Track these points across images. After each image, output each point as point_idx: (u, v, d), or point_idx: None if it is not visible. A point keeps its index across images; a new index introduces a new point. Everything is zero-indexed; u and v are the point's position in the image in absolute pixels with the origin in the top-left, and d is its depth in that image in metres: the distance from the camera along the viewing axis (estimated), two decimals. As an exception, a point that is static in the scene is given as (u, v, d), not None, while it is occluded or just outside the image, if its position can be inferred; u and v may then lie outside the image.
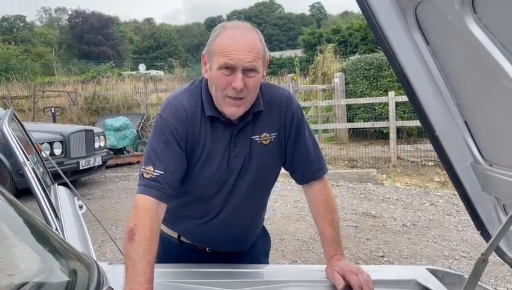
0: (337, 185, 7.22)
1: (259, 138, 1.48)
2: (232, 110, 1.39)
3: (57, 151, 7.06)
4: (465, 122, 1.24)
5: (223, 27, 1.39)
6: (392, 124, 9.02)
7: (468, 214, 1.43)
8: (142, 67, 27.36)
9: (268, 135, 1.50)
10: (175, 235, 1.65)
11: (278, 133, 1.51)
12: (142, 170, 1.38)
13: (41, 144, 6.28)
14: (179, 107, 1.43)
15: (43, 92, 14.83)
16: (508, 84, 0.92)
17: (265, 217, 1.75)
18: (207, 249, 1.64)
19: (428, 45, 1.16)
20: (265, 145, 1.50)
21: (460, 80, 1.17)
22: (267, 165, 1.53)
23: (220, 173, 1.47)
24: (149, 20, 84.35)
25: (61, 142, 7.13)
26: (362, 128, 10.37)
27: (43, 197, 1.85)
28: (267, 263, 1.80)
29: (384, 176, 8.13)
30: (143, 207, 1.34)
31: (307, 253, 4.42)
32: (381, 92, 10.59)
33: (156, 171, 1.36)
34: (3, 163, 6.58)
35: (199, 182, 1.48)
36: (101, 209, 6.23)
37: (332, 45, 15.03)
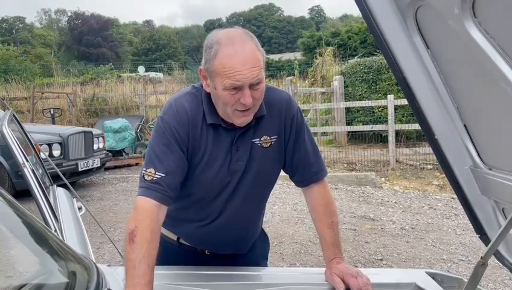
0: (336, 188, 7.22)
1: (259, 140, 1.49)
2: (243, 120, 1.39)
3: (56, 152, 7.04)
4: (465, 125, 1.24)
5: (218, 43, 1.32)
6: (391, 127, 9.03)
7: (467, 218, 1.44)
8: (141, 69, 27.32)
9: (268, 137, 1.50)
10: (174, 237, 1.65)
11: (278, 136, 1.51)
12: (143, 172, 1.38)
13: (40, 145, 6.27)
14: (180, 110, 1.42)
15: (42, 93, 14.81)
16: (507, 88, 0.93)
17: (264, 219, 1.75)
18: (206, 251, 1.64)
19: (428, 48, 1.17)
20: (265, 148, 1.50)
21: (460, 83, 1.17)
22: (267, 168, 1.53)
23: (221, 176, 1.47)
24: (148, 22, 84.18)
25: (60, 143, 7.12)
26: (361, 131, 10.37)
27: (42, 199, 1.85)
28: (266, 265, 1.80)
29: (383, 179, 8.14)
30: (143, 209, 1.34)
31: (306, 256, 4.42)
32: (380, 95, 10.60)
33: (157, 173, 1.36)
34: (2, 164, 6.57)
35: (200, 185, 1.49)
36: (100, 211, 6.22)
37: (332, 48, 15.07)
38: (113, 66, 25.56)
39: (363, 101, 10.37)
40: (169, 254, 1.57)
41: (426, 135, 1.31)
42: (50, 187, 2.50)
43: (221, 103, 1.37)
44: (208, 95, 1.44)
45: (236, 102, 1.34)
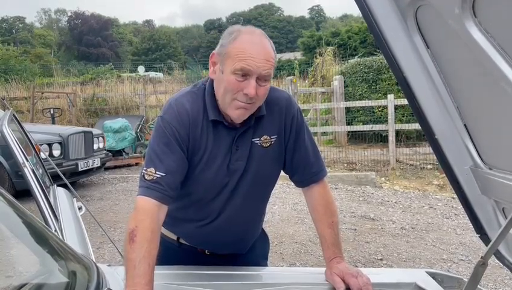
0: (336, 188, 7.22)
1: (259, 140, 1.49)
2: (238, 113, 1.38)
3: (56, 152, 7.04)
4: (465, 125, 1.24)
5: (239, 31, 1.37)
6: (391, 127, 9.03)
7: (467, 218, 1.44)
8: (141, 69, 27.32)
9: (268, 137, 1.50)
10: (174, 237, 1.65)
11: (278, 136, 1.51)
12: (143, 171, 1.38)
13: (40, 145, 6.27)
14: (181, 110, 1.42)
15: (42, 93, 14.81)
16: (507, 88, 0.93)
17: (264, 219, 1.75)
18: (206, 251, 1.64)
19: (428, 48, 1.17)
20: (265, 147, 1.50)
21: (460, 83, 1.17)
22: (267, 168, 1.53)
23: (221, 176, 1.47)
24: (148, 22, 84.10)
25: (60, 143, 7.12)
26: (361, 131, 10.37)
27: (42, 199, 1.85)
28: (266, 265, 1.80)
29: (383, 179, 8.14)
30: (144, 209, 1.34)
31: (306, 256, 4.42)
32: (380, 95, 10.60)
33: (157, 173, 1.36)
34: (2, 164, 6.57)
35: (200, 184, 1.48)
36: (100, 211, 6.22)
37: (332, 47, 15.05)
38: (113, 66, 25.52)
39: (363, 101, 10.36)
40: (169, 254, 1.57)
41: (426, 135, 1.31)
42: (50, 187, 2.50)
43: (223, 88, 1.37)
44: (211, 92, 1.44)
45: (238, 92, 1.34)
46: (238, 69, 1.32)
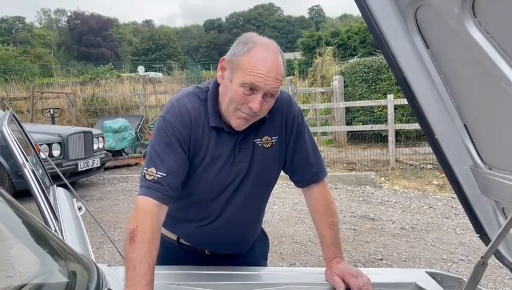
0: (336, 188, 7.22)
1: (260, 141, 1.49)
2: (239, 123, 1.39)
3: (56, 152, 7.04)
4: (465, 125, 1.24)
5: (254, 43, 1.35)
6: (391, 127, 9.03)
7: (466, 217, 1.44)
8: (141, 69, 27.31)
9: (269, 138, 1.50)
10: (174, 237, 1.65)
11: (278, 137, 1.51)
12: (144, 171, 1.38)
13: (40, 145, 6.27)
14: (183, 110, 1.42)
15: (42, 93, 14.80)
16: (507, 88, 0.93)
17: (264, 219, 1.75)
18: (206, 251, 1.64)
19: (428, 48, 1.17)
20: (266, 148, 1.50)
21: (460, 83, 1.17)
22: (268, 168, 1.54)
23: (223, 177, 1.47)
24: (148, 22, 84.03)
25: (59, 143, 7.12)
26: (361, 131, 10.37)
27: (42, 199, 1.85)
28: (266, 265, 1.80)
29: (382, 179, 8.14)
30: (144, 209, 1.33)
31: (306, 256, 4.42)
32: (380, 95, 10.59)
33: (158, 173, 1.36)
34: (2, 165, 6.57)
35: (201, 185, 1.49)
36: (100, 211, 6.22)
37: (331, 47, 15.07)
38: (112, 66, 25.49)
39: (363, 101, 10.36)
40: (170, 254, 1.57)
41: (426, 135, 1.31)
42: (50, 187, 2.50)
43: (229, 97, 1.37)
44: (214, 97, 1.44)
45: (244, 104, 1.34)
46: (247, 83, 1.31)
